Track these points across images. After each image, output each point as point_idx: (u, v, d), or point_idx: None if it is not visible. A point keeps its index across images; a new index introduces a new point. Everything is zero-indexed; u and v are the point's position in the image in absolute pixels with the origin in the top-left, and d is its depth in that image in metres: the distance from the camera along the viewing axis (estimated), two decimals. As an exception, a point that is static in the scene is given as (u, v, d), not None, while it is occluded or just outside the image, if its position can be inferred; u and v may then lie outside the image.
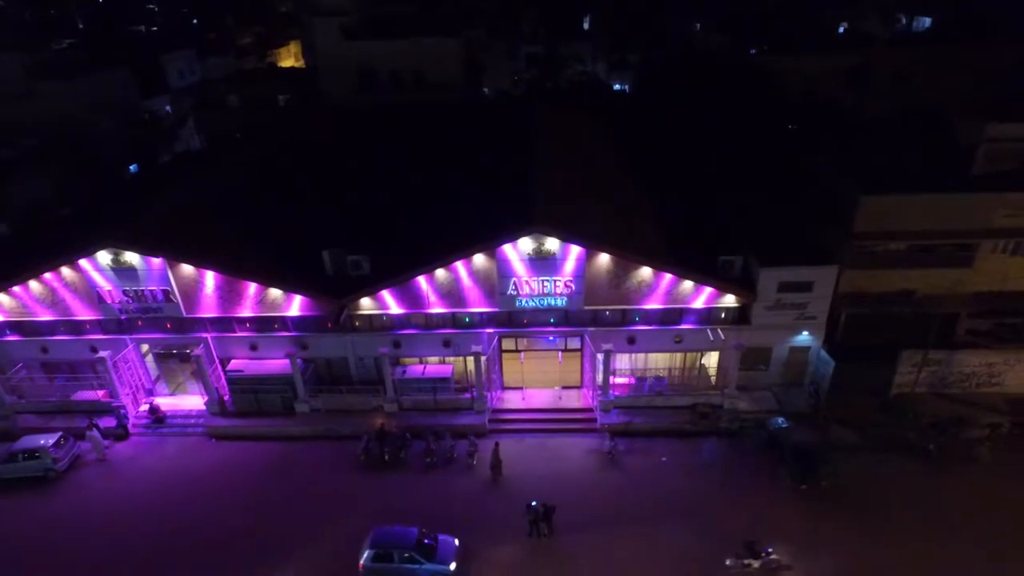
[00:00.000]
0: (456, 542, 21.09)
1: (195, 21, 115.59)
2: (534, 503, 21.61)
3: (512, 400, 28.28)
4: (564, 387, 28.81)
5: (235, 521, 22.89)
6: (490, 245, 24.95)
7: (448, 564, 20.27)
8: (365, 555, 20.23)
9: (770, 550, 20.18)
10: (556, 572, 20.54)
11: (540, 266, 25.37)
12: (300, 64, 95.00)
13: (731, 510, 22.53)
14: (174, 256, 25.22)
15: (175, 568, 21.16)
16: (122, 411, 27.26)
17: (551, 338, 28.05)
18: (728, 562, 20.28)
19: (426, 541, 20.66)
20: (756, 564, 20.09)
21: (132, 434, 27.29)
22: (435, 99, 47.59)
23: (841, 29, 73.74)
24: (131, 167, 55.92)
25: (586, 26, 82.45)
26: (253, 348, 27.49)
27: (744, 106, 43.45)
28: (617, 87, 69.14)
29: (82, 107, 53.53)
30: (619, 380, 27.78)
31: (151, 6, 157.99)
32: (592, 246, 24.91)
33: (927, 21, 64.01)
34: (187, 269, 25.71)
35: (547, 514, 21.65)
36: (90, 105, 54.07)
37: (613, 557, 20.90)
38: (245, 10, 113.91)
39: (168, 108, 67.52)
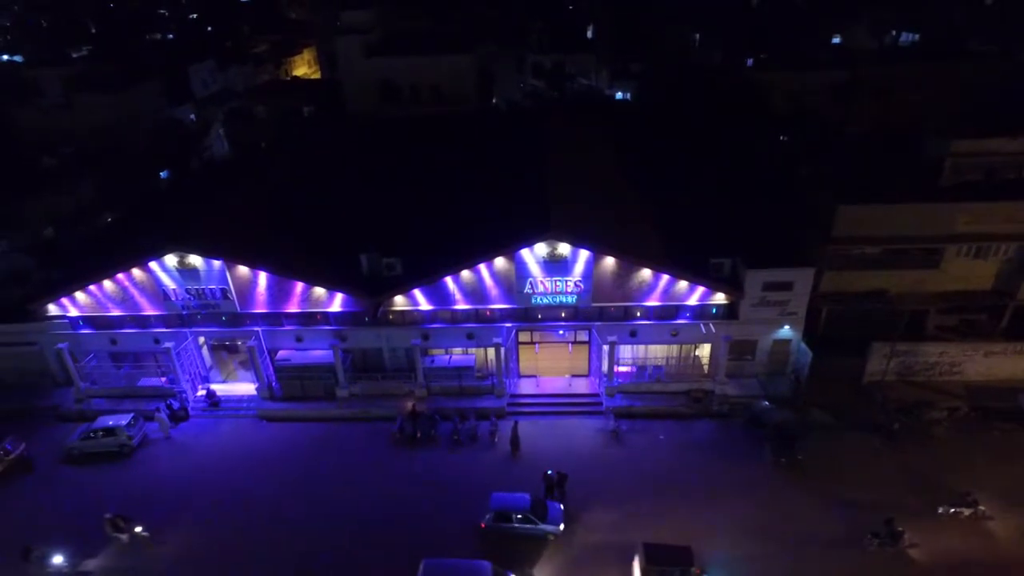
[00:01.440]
0: (561, 507, 24.21)
1: (209, 28, 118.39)
2: (550, 471, 25.17)
3: (528, 386, 31.85)
4: (574, 375, 32.34)
5: (289, 488, 26.46)
6: (510, 249, 28.48)
7: (558, 525, 23.49)
8: (487, 516, 23.42)
9: (978, 501, 23.42)
10: (568, 528, 24.02)
11: (553, 267, 28.89)
12: (314, 71, 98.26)
13: (719, 479, 26.03)
14: (234, 259, 28.78)
15: (234, 527, 24.64)
16: (183, 395, 30.86)
17: (560, 331, 31.60)
18: (940, 510, 23.54)
19: (539, 505, 23.73)
20: (967, 512, 23.37)
21: (191, 416, 30.84)
22: (451, 110, 51.11)
23: (836, 40, 76.96)
24: (162, 173, 59.46)
25: (590, 35, 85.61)
26: (298, 340, 31.02)
27: (738, 118, 46.82)
28: (619, 96, 72.43)
29: (117, 117, 56.97)
30: (622, 368, 31.35)
31: (161, 11, 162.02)
32: (599, 250, 28.42)
33: (916, 35, 67.28)
34: (243, 270, 29.27)
35: (560, 481, 25.18)
36: (124, 115, 57.52)
37: (618, 518, 24.37)
38: (259, 18, 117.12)
39: (192, 116, 71.10)
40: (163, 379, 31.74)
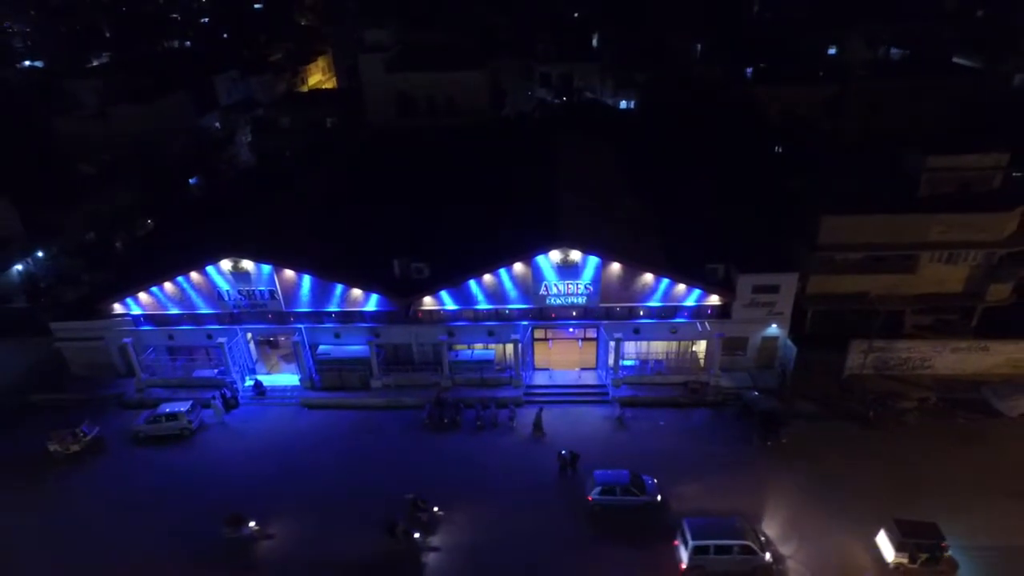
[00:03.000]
0: (655, 480, 27.36)
1: (225, 36, 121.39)
2: (563, 451, 28.70)
3: (542, 378, 35.37)
4: (583, 368, 35.87)
5: (332, 467, 30.01)
6: (527, 256, 31.99)
7: (656, 496, 26.83)
8: (594, 490, 26.58)
9: None
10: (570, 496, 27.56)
11: (566, 272, 32.38)
12: (328, 78, 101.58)
13: (713, 459, 29.54)
14: (283, 264, 32.33)
15: (286, 497, 28.16)
16: (233, 385, 34.46)
17: (570, 329, 35.08)
18: None
19: (637, 479, 26.89)
20: None
21: (241, 404, 34.41)
22: (465, 121, 54.43)
23: (831, 51, 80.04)
24: (191, 180, 63.01)
25: (594, 43, 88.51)
26: (337, 336, 34.58)
27: (734, 129, 49.96)
28: (623, 105, 75.54)
29: (151, 126, 60.34)
30: (627, 362, 34.80)
31: (174, 15, 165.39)
32: (607, 257, 31.89)
33: (906, 51, 70.35)
34: (289, 273, 32.82)
35: (573, 460, 28.70)
36: (156, 124, 60.91)
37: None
38: (272, 25, 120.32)
39: (217, 124, 74.67)
40: (215, 371, 35.31)
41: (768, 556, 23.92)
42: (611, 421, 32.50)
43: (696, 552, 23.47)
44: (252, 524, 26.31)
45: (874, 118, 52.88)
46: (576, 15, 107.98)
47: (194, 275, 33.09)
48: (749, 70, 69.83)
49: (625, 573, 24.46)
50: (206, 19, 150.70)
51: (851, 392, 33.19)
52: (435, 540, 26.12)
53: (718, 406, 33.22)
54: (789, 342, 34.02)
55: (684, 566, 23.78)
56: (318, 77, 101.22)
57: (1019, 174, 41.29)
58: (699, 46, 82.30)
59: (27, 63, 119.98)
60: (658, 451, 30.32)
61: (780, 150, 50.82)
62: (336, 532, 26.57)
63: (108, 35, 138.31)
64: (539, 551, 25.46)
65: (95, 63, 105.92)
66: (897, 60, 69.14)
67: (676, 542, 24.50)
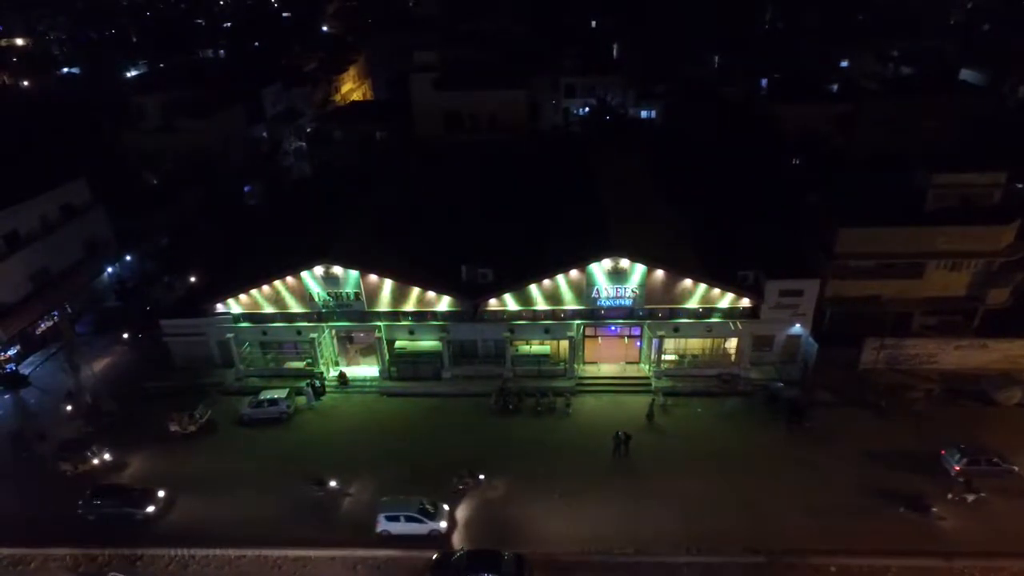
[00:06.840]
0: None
1: (256, 44, 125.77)
2: (619, 432, 33.27)
3: (591, 370, 39.98)
4: (628, 361, 40.43)
5: (412, 444, 34.71)
6: (582, 264, 36.57)
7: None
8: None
9: None
10: (629, 475, 32.19)
11: (615, 278, 36.95)
12: (359, 86, 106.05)
13: (743, 442, 34.10)
14: (369, 270, 37.04)
15: (373, 470, 32.77)
16: (320, 375, 39.24)
17: (613, 327, 39.55)
18: None
19: None
20: None
21: (327, 392, 39.18)
22: (507, 136, 58.94)
23: (844, 64, 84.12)
24: (245, 188, 67.70)
25: (615, 53, 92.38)
26: (411, 333, 39.29)
27: (754, 143, 54.07)
28: (644, 114, 79.57)
29: (210, 138, 65.03)
30: (668, 357, 39.32)
31: (198, 20, 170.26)
32: (651, 265, 36.43)
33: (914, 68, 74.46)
34: (372, 277, 37.52)
35: (626, 440, 33.29)
36: (215, 135, 65.57)
37: (667, 467, 32.51)
38: (303, 34, 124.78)
39: (264, 134, 79.49)
40: (304, 363, 40.10)
41: None
42: (655, 407, 36.98)
43: None
44: None
45: (884, 134, 56.89)
46: (594, 24, 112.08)
47: (290, 279, 37.82)
48: (764, 81, 73.95)
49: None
50: (228, 24, 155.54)
51: (865, 384, 37.62)
52: None
53: (748, 395, 37.71)
54: (811, 339, 38.48)
55: None
56: (350, 85, 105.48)
57: (1021, 185, 45.60)
58: (716, 58, 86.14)
59: (65, 70, 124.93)
60: (696, 434, 34.91)
61: (797, 162, 55.20)
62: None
63: (135, 40, 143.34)
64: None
65: (134, 72, 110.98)
66: (906, 76, 73.07)
67: None
